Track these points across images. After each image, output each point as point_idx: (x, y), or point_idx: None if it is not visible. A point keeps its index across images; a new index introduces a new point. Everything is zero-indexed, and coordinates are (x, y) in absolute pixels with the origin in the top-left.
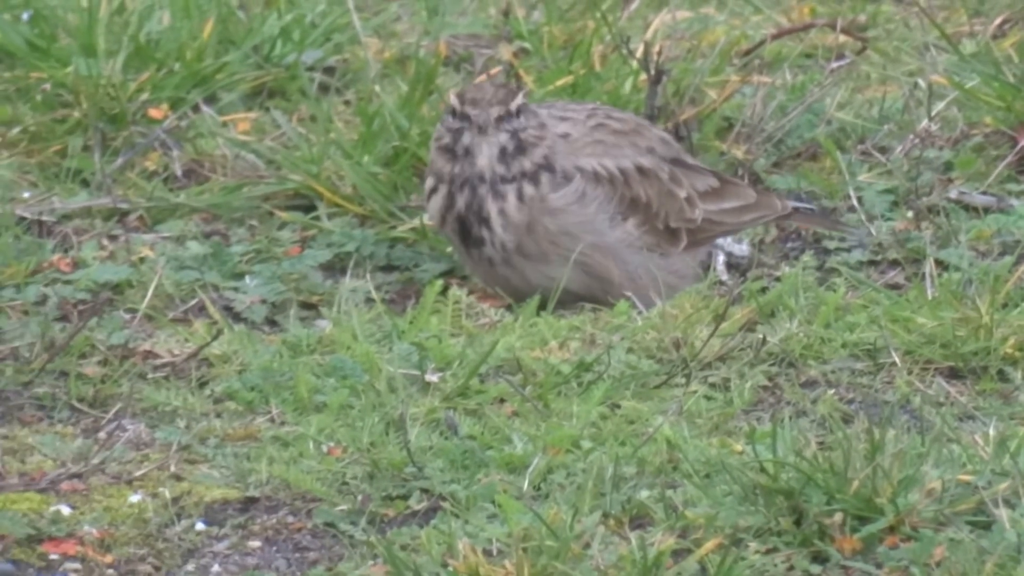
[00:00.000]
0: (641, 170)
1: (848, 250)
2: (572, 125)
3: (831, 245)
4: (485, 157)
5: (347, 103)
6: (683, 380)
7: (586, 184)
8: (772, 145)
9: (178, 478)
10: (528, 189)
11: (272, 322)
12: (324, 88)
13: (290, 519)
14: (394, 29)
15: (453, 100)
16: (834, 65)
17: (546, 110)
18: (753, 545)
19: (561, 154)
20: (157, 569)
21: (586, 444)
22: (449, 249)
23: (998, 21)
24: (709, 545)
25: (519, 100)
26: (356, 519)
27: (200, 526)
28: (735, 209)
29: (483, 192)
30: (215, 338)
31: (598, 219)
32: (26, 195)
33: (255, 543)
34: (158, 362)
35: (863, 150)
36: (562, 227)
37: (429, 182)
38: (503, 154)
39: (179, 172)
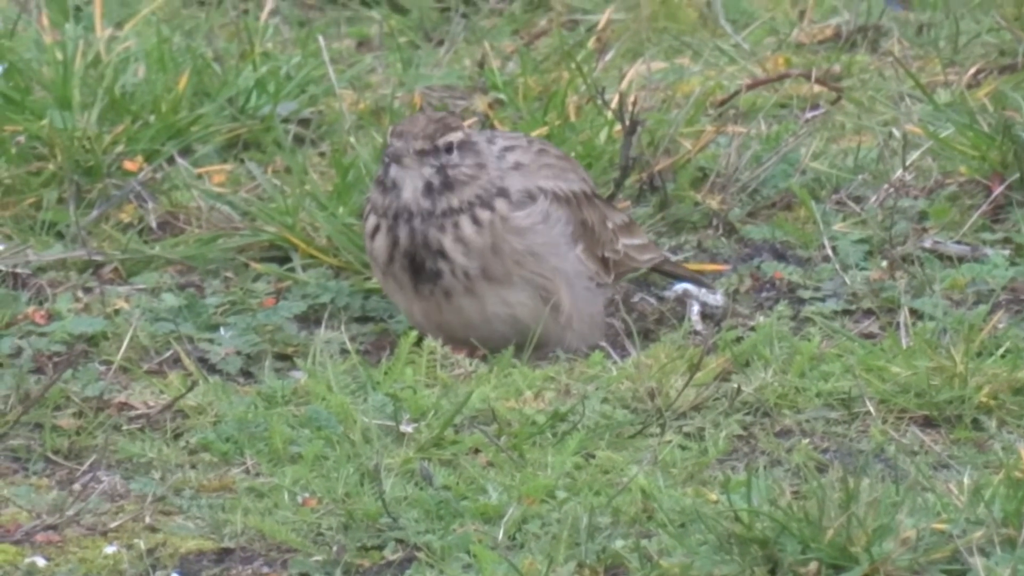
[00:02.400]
0: (586, 195)
1: (823, 299)
2: (522, 153)
3: (805, 295)
4: (408, 191)
5: (322, 155)
6: (658, 430)
7: (549, 204)
8: (747, 195)
9: (153, 529)
10: (483, 214)
11: (247, 373)
12: (299, 140)
13: (265, 570)
14: (369, 81)
15: (389, 132)
16: (809, 115)
17: (487, 139)
18: None
19: (516, 180)
20: None
21: (561, 494)
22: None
23: (972, 71)
24: None
25: (452, 136)
26: (331, 570)
27: None
28: (640, 247)
29: (419, 225)
30: (190, 390)
31: (561, 241)
32: (1, 247)
33: None
34: (133, 414)
35: (838, 200)
36: (528, 247)
37: (371, 222)
38: (428, 189)
39: (154, 224)
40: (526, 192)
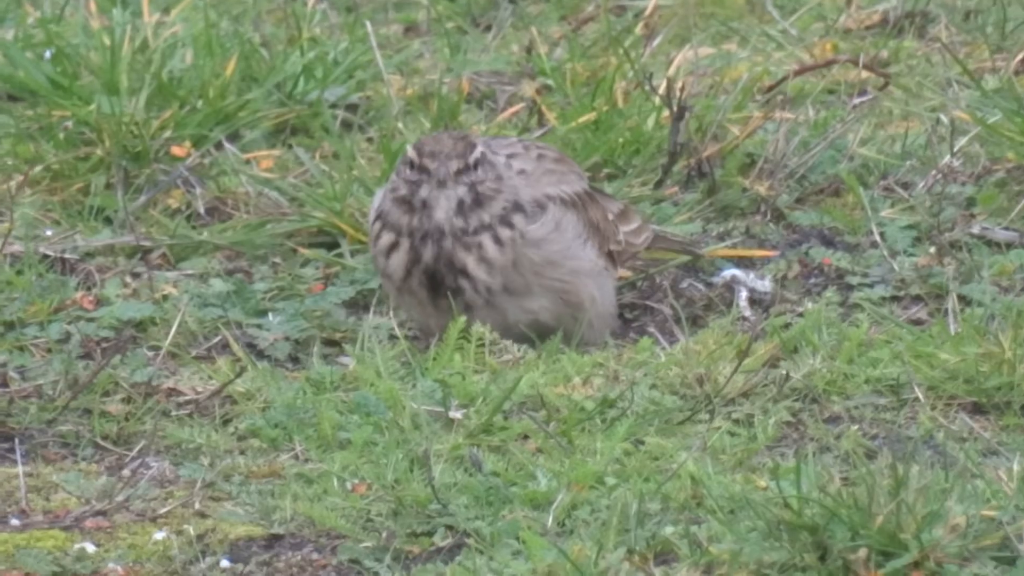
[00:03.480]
0: (588, 194)
1: (871, 286)
2: (523, 160)
3: (854, 281)
4: (443, 210)
5: (370, 140)
6: (707, 416)
7: (559, 211)
8: (795, 181)
9: (202, 515)
10: (504, 232)
11: (295, 359)
12: (347, 125)
13: (315, 556)
14: (416, 66)
15: (411, 152)
16: (856, 101)
17: (491, 148)
18: None
19: (525, 189)
20: None
21: (610, 480)
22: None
23: (1020, 56)
24: None
25: (477, 153)
26: (381, 556)
27: (225, 563)
28: (635, 230)
29: (448, 245)
30: (239, 375)
31: (575, 244)
32: (49, 233)
33: None
34: (182, 399)
35: (885, 186)
36: (545, 257)
37: (386, 239)
38: (461, 207)
39: (202, 210)
40: (536, 202)
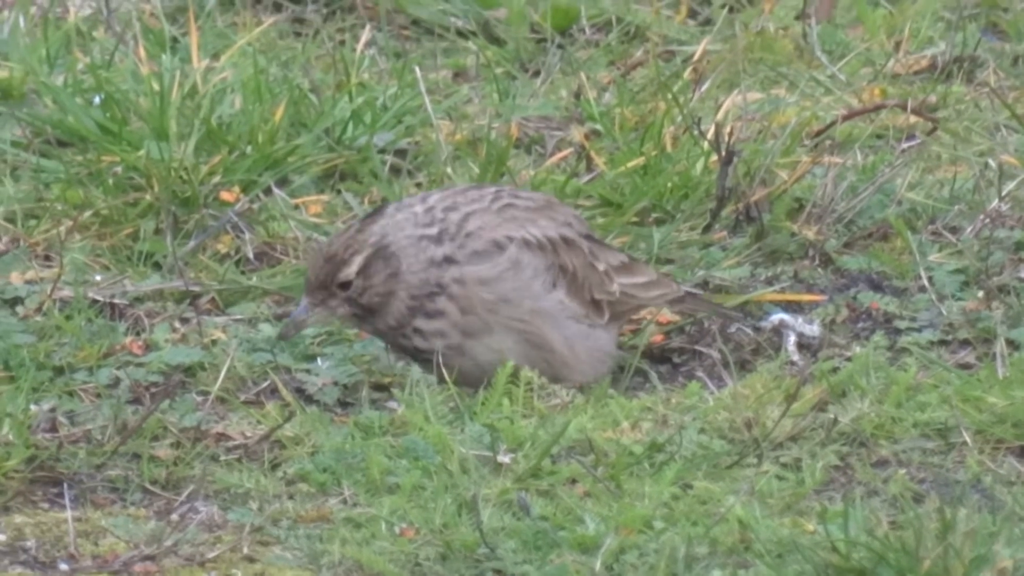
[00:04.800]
0: (565, 240)
1: (919, 330)
2: (481, 215)
3: (902, 325)
4: (345, 322)
5: (419, 185)
6: (755, 460)
7: (518, 251)
8: (843, 226)
9: (251, 560)
10: (433, 304)
11: (344, 404)
12: (396, 170)
13: None
14: (465, 111)
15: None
16: (905, 146)
17: (445, 208)
18: None
19: (478, 240)
20: None
21: (658, 524)
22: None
23: None
24: None
25: (345, 272)
26: None
27: None
28: (643, 284)
29: (384, 338)
30: (287, 420)
31: (534, 284)
32: (98, 278)
33: None
34: (231, 444)
35: (934, 230)
36: (500, 295)
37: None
38: (357, 318)
39: (251, 255)
40: (494, 242)
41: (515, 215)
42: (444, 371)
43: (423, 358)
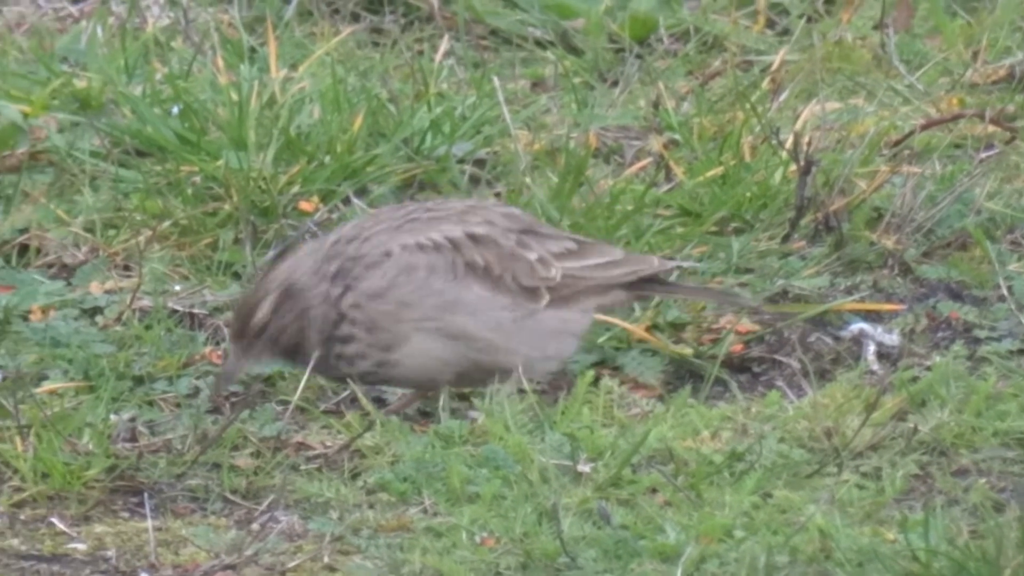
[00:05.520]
0: (472, 237)
1: (999, 339)
2: (377, 236)
3: (981, 334)
4: (272, 362)
5: (498, 195)
6: (835, 469)
7: (408, 254)
8: (922, 235)
9: (331, 569)
10: (343, 331)
11: (424, 413)
12: (474, 180)
13: None
14: (544, 121)
15: None
16: (983, 155)
17: (349, 238)
18: None
19: (368, 255)
20: None
21: (739, 533)
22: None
23: None
24: None
25: (258, 316)
26: None
27: None
28: (600, 265)
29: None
30: (367, 429)
31: (432, 281)
32: (177, 288)
33: None
34: (311, 453)
35: (1013, 239)
36: (398, 301)
37: None
38: (288, 354)
39: None
40: (383, 253)
41: (414, 227)
42: (359, 389)
43: (367, 381)
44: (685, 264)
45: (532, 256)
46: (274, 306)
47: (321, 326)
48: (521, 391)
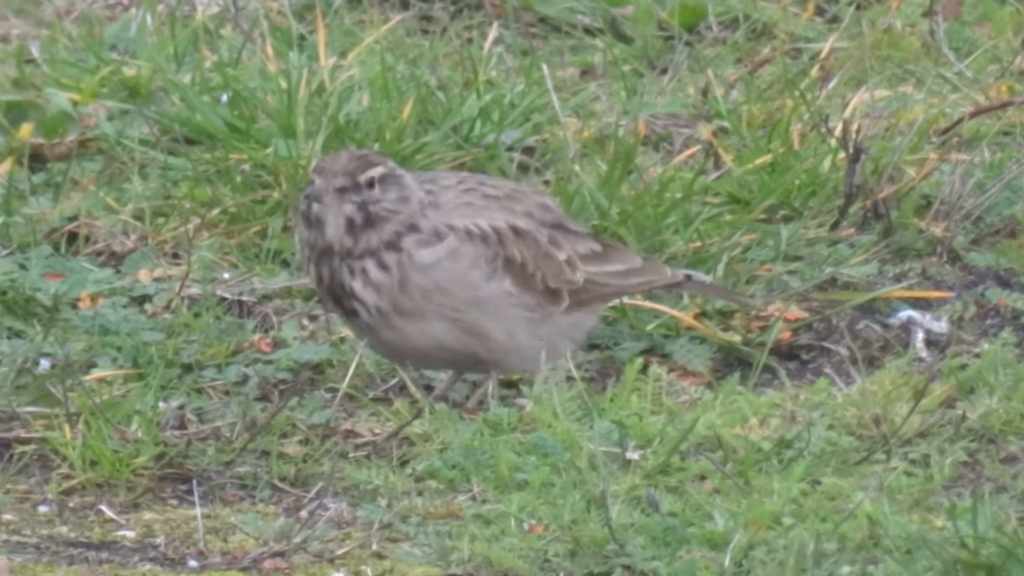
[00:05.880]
0: (516, 230)
1: None
2: (444, 192)
3: None
4: (332, 227)
5: (546, 183)
6: (883, 456)
7: (459, 242)
8: (971, 222)
9: (380, 556)
10: (388, 257)
11: (470, 399)
12: (523, 168)
13: None
14: (593, 109)
15: (312, 168)
16: None
17: (413, 175)
18: None
19: (429, 217)
20: None
21: (787, 520)
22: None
23: None
24: None
25: (373, 172)
26: None
27: None
28: (620, 272)
29: (336, 266)
30: (416, 417)
31: (471, 275)
32: (226, 276)
33: None
34: (359, 441)
35: None
36: (435, 283)
37: (300, 256)
38: (351, 226)
39: None
40: (435, 231)
41: (472, 201)
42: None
43: (350, 311)
44: (695, 275)
45: (562, 256)
46: (383, 176)
47: (407, 221)
48: (570, 378)
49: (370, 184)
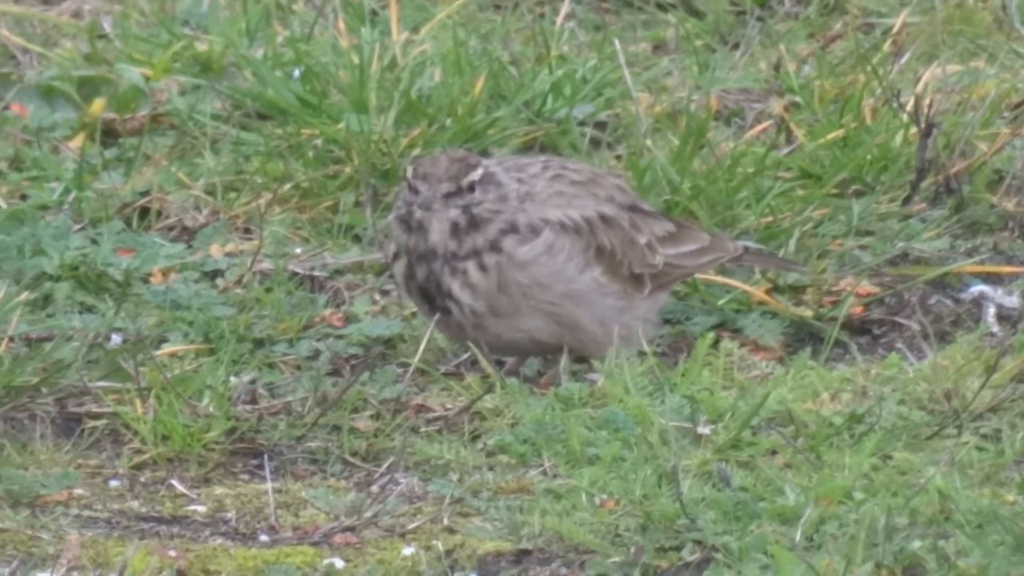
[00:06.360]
0: (604, 218)
1: None
2: (533, 181)
3: None
4: (436, 233)
5: (618, 157)
6: (954, 431)
7: (554, 235)
8: None
9: (451, 531)
10: (489, 259)
11: (544, 375)
12: (595, 143)
13: (563, 571)
14: (665, 83)
15: (408, 171)
16: None
17: (502, 167)
18: None
19: (525, 211)
20: None
21: (858, 495)
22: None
23: None
24: None
25: (474, 175)
26: (629, 571)
27: None
28: (692, 252)
29: (438, 267)
30: (487, 392)
31: (567, 268)
32: (298, 251)
33: None
34: (430, 416)
35: None
36: (533, 279)
37: (392, 247)
38: (455, 230)
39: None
40: (530, 226)
41: (562, 189)
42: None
43: (443, 309)
44: (751, 245)
45: (643, 240)
46: (482, 177)
47: (509, 220)
48: (641, 353)
49: (471, 187)
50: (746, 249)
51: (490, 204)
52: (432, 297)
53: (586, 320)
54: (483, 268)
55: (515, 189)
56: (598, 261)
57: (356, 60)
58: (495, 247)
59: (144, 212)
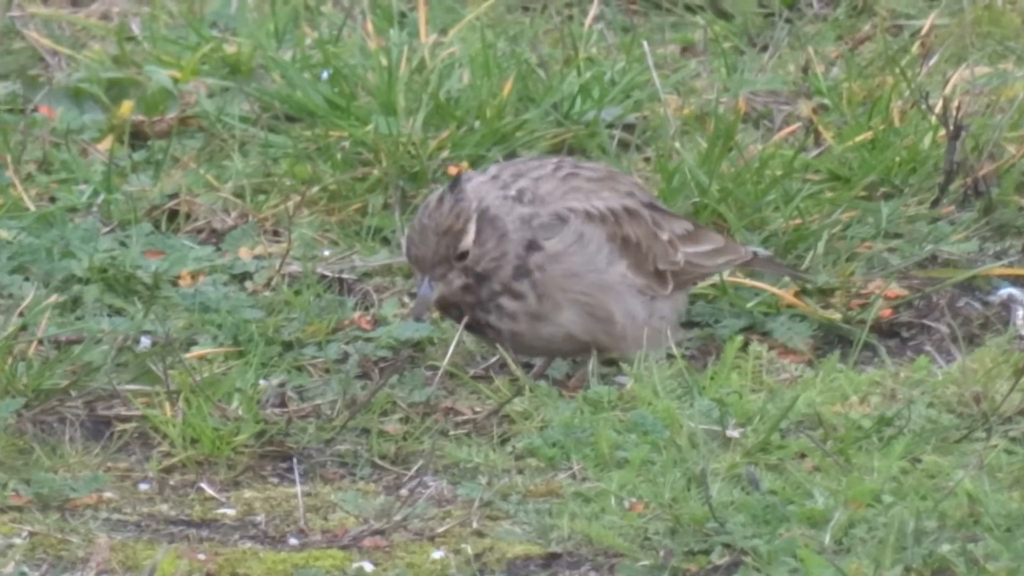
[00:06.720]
0: (628, 211)
1: None
2: (545, 182)
3: None
4: (450, 297)
5: (647, 160)
6: (984, 434)
7: (581, 223)
8: None
9: (480, 534)
10: (519, 286)
11: (572, 379)
12: (624, 145)
13: (592, 574)
14: (693, 86)
15: (403, 245)
16: None
17: (503, 184)
18: None
19: (546, 207)
20: None
21: (887, 498)
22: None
23: None
24: None
25: (464, 243)
26: (658, 574)
27: None
28: (709, 252)
29: (470, 312)
30: (516, 395)
31: (598, 257)
32: (326, 253)
33: None
34: (460, 419)
35: None
36: (567, 269)
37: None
38: (467, 288)
39: None
40: (556, 215)
41: (578, 185)
42: (507, 353)
43: (490, 337)
44: (759, 251)
45: (664, 236)
46: (477, 231)
47: (519, 251)
48: (669, 356)
49: (463, 256)
50: (755, 254)
51: (492, 252)
52: (476, 330)
53: (617, 313)
54: (517, 296)
55: (517, 214)
56: (624, 254)
57: (384, 62)
58: (523, 273)
59: (173, 214)
